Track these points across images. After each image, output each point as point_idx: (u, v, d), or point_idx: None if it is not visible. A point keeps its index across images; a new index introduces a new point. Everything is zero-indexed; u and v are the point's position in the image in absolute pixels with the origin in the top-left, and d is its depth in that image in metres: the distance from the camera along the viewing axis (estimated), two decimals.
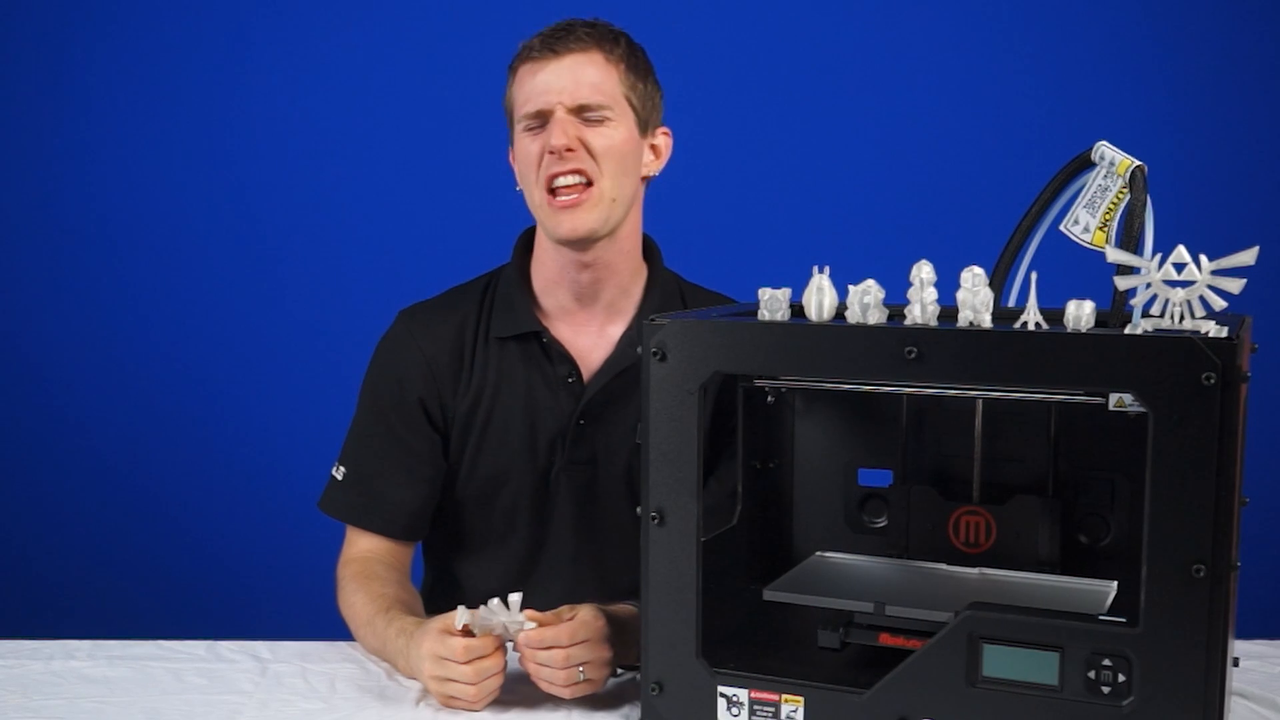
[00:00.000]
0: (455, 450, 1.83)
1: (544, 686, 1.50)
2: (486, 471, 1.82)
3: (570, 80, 1.71)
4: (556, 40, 1.71)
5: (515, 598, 1.48)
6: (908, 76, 3.31)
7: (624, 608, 1.58)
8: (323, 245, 3.39)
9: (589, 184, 1.71)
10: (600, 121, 1.72)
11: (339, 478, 1.83)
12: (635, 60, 1.76)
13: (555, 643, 1.48)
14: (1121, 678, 1.22)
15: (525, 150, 1.74)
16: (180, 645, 1.71)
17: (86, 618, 3.03)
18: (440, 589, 1.92)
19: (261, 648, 1.70)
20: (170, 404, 3.41)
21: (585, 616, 1.51)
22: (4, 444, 3.42)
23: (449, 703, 1.50)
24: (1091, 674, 1.23)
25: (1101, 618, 1.26)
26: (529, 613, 1.50)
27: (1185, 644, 1.19)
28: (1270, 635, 1.74)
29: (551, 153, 1.69)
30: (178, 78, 3.35)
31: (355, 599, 1.73)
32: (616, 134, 1.73)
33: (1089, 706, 1.24)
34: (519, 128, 1.75)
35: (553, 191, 1.71)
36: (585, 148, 1.70)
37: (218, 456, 3.42)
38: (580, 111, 1.71)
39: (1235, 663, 1.34)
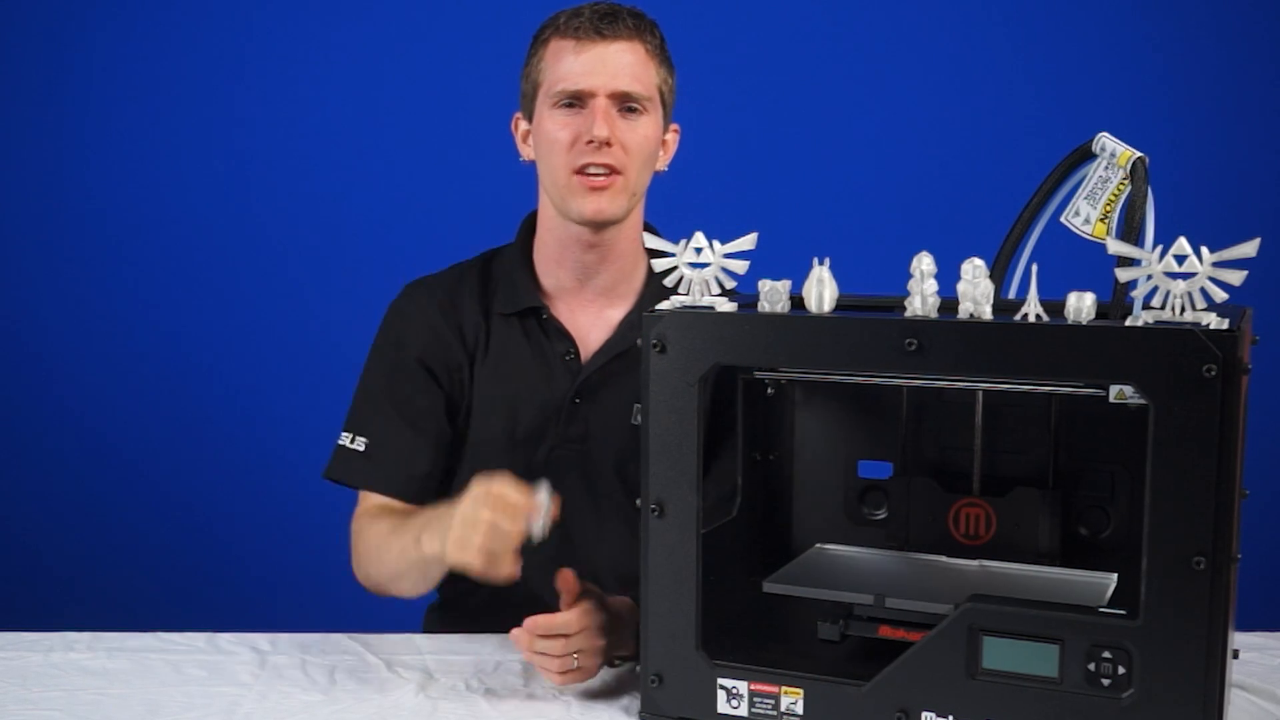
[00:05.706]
0: (460, 419, 1.83)
1: (541, 673, 1.51)
2: (483, 443, 1.82)
3: (614, 67, 1.70)
4: (604, 24, 1.71)
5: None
6: (909, 67, 3.30)
7: (620, 600, 1.58)
8: (313, 238, 3.37)
9: (618, 172, 1.72)
10: (636, 113, 1.73)
11: (357, 448, 1.79)
12: (666, 54, 1.78)
13: (564, 629, 1.48)
14: (1121, 670, 1.22)
15: (553, 130, 1.73)
16: (179, 637, 1.71)
17: (86, 610, 3.02)
18: None
19: (261, 639, 1.70)
20: (167, 396, 3.41)
21: (587, 606, 1.51)
22: (2, 437, 3.42)
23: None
24: (1091, 666, 1.23)
25: (1101, 610, 1.26)
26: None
27: (1185, 636, 1.19)
28: (1270, 627, 1.74)
29: (590, 142, 1.70)
30: (174, 66, 3.34)
31: (376, 525, 1.69)
32: (648, 128, 1.74)
33: (1089, 699, 1.24)
34: (548, 103, 1.73)
35: (580, 172, 1.72)
36: (619, 140, 1.71)
37: (216, 448, 3.41)
38: (619, 100, 1.72)
39: (1235, 655, 1.34)
